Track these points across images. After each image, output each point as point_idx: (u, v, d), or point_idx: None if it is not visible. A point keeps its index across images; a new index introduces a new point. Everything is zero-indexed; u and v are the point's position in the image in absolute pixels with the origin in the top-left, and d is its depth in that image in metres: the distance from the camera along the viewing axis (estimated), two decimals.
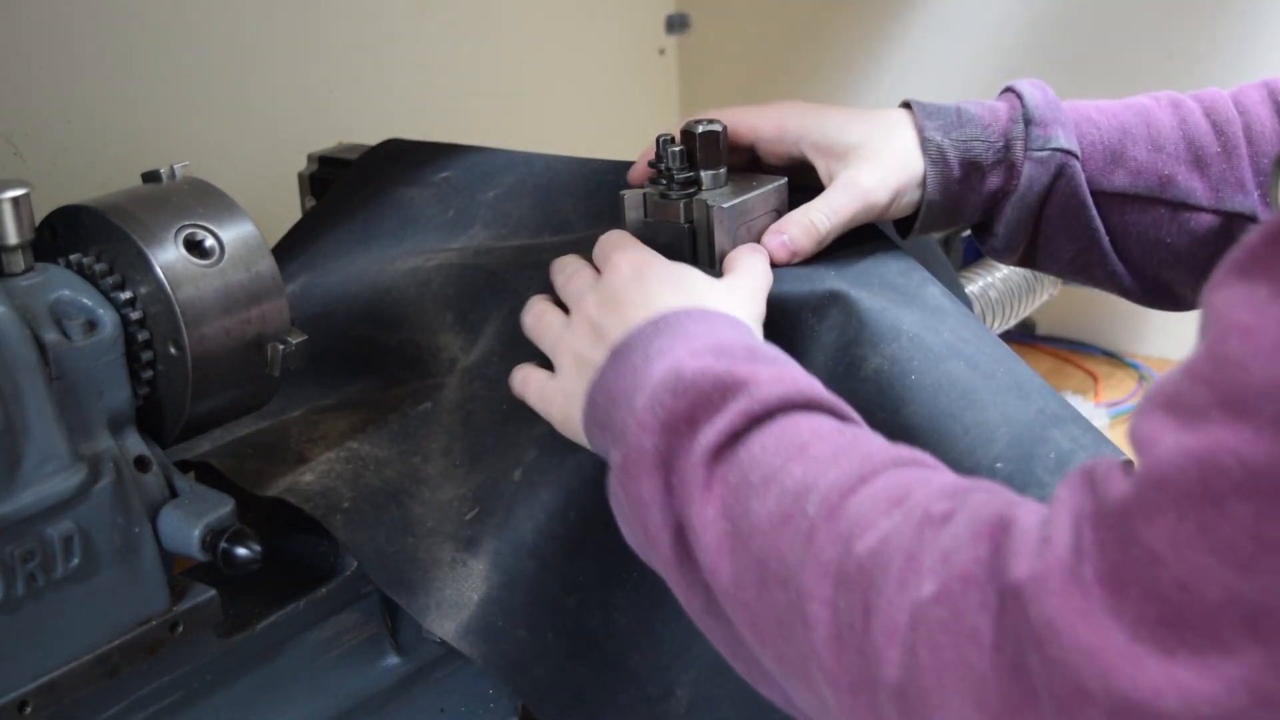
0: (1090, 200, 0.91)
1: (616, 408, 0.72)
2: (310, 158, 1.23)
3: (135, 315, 0.75)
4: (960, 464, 0.78)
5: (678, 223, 0.87)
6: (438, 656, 0.90)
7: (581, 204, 1.02)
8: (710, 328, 0.74)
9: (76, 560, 0.70)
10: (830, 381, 0.82)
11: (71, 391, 0.71)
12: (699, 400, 0.68)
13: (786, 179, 0.91)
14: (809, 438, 0.65)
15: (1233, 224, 0.92)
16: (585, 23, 1.68)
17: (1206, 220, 0.92)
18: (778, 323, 0.85)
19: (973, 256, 1.31)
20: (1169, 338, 1.56)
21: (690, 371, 0.69)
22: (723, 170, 0.89)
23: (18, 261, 0.73)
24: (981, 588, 0.54)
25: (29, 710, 0.69)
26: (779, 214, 0.90)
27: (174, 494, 0.76)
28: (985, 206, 0.92)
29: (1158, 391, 0.53)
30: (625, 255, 0.82)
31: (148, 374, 0.76)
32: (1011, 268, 1.29)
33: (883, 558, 0.58)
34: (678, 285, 0.79)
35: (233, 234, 0.78)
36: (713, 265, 0.87)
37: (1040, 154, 0.90)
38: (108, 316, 0.74)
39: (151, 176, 0.80)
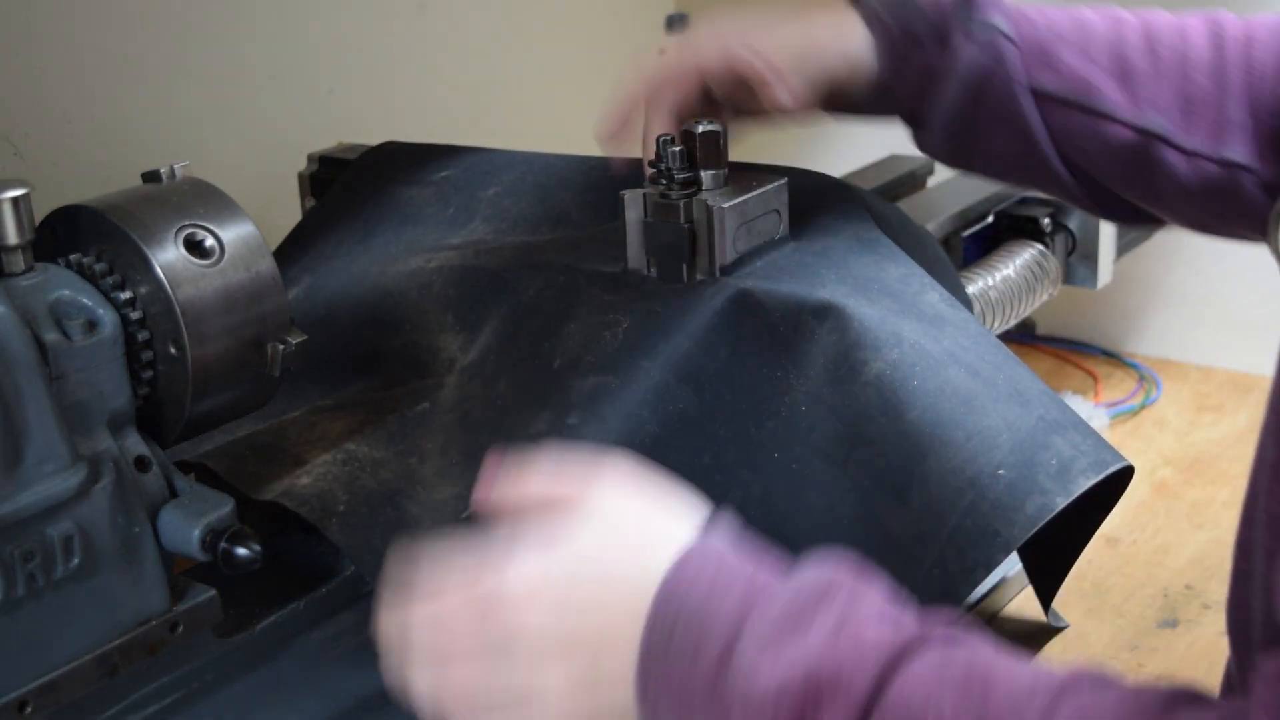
0: (1026, 92, 0.91)
1: None
2: (310, 158, 1.23)
3: (135, 315, 0.75)
4: (963, 470, 0.78)
5: (678, 222, 0.87)
6: None
7: (581, 198, 1.02)
8: (716, 586, 0.62)
9: (76, 560, 0.70)
10: (831, 384, 0.82)
11: (71, 391, 0.71)
12: (798, 713, 0.59)
13: (786, 179, 0.91)
14: (937, 709, 0.57)
15: (1149, 143, 0.90)
16: (585, 23, 1.67)
17: (1123, 133, 0.91)
18: (778, 324, 0.85)
19: (973, 256, 1.31)
20: (1169, 338, 1.56)
21: (765, 686, 0.59)
22: (723, 170, 0.89)
23: (18, 261, 0.72)
24: None
25: (29, 710, 0.69)
26: (779, 214, 0.91)
27: (174, 494, 0.76)
28: (922, 85, 0.92)
29: None
30: (522, 598, 0.63)
31: (148, 374, 0.76)
32: (1013, 268, 1.29)
33: None
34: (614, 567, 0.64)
35: (233, 234, 0.78)
36: (712, 265, 0.87)
37: (978, 34, 0.90)
38: (108, 316, 0.73)
39: (151, 176, 0.80)
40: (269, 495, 0.85)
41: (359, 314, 1.00)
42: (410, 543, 0.83)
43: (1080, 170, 0.93)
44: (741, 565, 0.63)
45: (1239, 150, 0.89)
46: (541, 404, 0.86)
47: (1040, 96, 0.91)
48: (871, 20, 0.90)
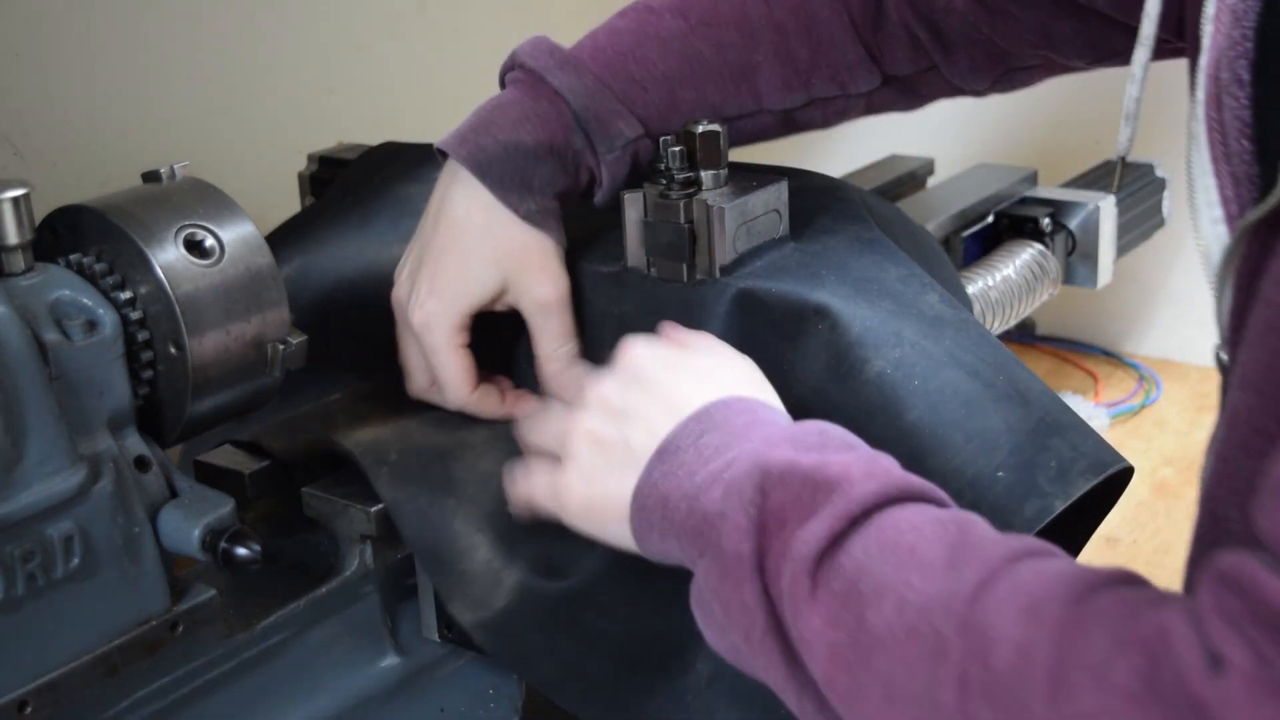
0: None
1: (678, 509, 0.70)
2: (310, 158, 1.23)
3: (135, 315, 0.75)
4: (963, 472, 0.78)
5: (678, 223, 0.87)
6: (438, 656, 0.90)
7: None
8: (761, 417, 0.73)
9: (76, 560, 0.70)
10: (832, 382, 0.83)
11: (71, 391, 0.71)
12: (791, 500, 0.65)
13: (786, 179, 0.91)
14: (915, 540, 0.63)
15: (790, 115, 0.97)
16: (585, 23, 1.67)
17: (765, 120, 0.97)
18: (779, 321, 0.85)
19: (973, 256, 1.31)
20: (1169, 338, 1.56)
21: (777, 467, 0.67)
22: (723, 170, 0.89)
23: (18, 261, 0.73)
24: (1145, 705, 0.53)
25: (29, 710, 0.69)
26: (779, 214, 0.90)
27: (174, 494, 0.76)
28: (581, 195, 0.94)
29: None
30: (642, 344, 0.79)
31: (148, 374, 0.76)
32: (1013, 268, 1.29)
33: (1025, 673, 0.56)
34: (711, 372, 0.77)
35: (233, 234, 0.78)
36: (712, 265, 0.87)
37: (612, 155, 0.91)
38: (108, 316, 0.73)
39: (151, 176, 0.80)
40: (321, 448, 0.87)
41: (360, 297, 1.01)
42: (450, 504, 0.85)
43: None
44: (782, 415, 0.74)
45: (864, 80, 0.97)
46: None
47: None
48: (530, 219, 0.89)
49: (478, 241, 0.90)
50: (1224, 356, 0.67)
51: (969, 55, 0.97)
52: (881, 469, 0.67)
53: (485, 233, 0.89)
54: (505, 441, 0.89)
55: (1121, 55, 0.91)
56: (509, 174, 0.89)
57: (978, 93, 1.01)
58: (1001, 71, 0.98)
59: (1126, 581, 0.59)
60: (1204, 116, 0.66)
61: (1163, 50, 0.85)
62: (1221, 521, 0.65)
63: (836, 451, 0.68)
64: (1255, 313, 0.61)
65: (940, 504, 0.67)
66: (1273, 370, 0.59)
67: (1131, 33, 0.86)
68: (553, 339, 0.90)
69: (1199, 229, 0.67)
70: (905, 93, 1.01)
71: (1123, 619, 0.56)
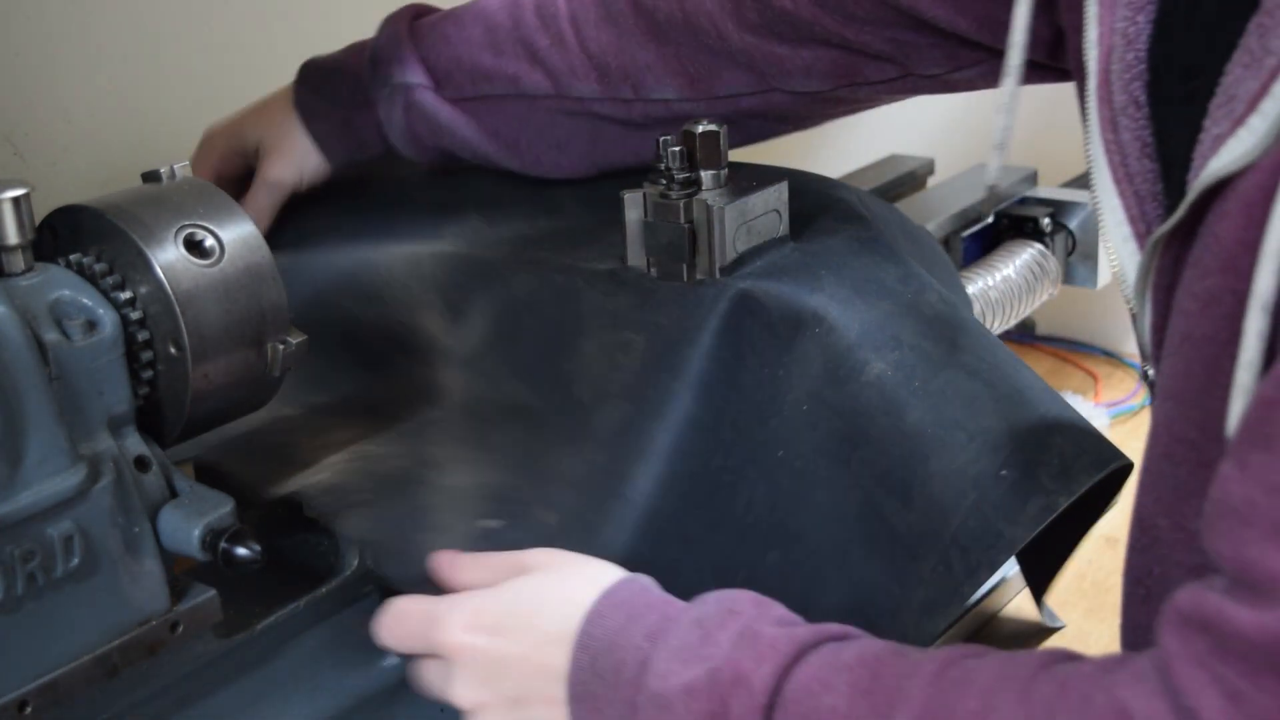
0: (452, 116, 1.00)
1: None
2: None
3: (135, 315, 0.75)
4: (966, 472, 0.78)
5: (678, 223, 0.87)
6: None
7: (577, 190, 1.03)
8: (618, 621, 0.70)
9: (76, 560, 0.70)
10: (832, 384, 0.83)
11: (71, 391, 0.71)
12: (709, 714, 0.65)
13: (786, 180, 0.91)
14: (835, 702, 0.62)
15: (583, 105, 0.99)
16: None
17: (558, 105, 0.99)
18: (778, 324, 0.85)
19: (973, 256, 1.31)
20: None
21: (682, 692, 0.66)
22: (723, 170, 0.89)
23: (18, 261, 0.72)
24: None
25: (29, 710, 0.69)
26: (779, 214, 0.90)
27: (174, 494, 0.76)
28: (379, 133, 1.04)
29: (1260, 517, 0.51)
30: (462, 632, 0.74)
31: (148, 374, 0.76)
32: (1013, 268, 1.29)
33: None
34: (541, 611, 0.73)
35: (233, 234, 0.78)
36: (712, 265, 0.87)
37: (384, 92, 1.00)
38: (108, 316, 0.73)
39: (151, 176, 0.80)
40: (283, 492, 0.86)
41: (341, 284, 1.01)
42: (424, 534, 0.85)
43: (532, 146, 1.02)
44: (658, 597, 0.71)
45: (668, 87, 0.97)
46: (571, 441, 0.88)
47: (475, 101, 1.00)
48: (306, 118, 1.04)
49: (261, 106, 1.08)
50: (1150, 374, 0.68)
51: (814, 54, 0.93)
52: (766, 641, 0.66)
53: (270, 103, 1.07)
54: (470, 449, 0.89)
55: (980, 65, 0.91)
56: (317, 70, 1.06)
57: (810, 106, 0.98)
58: (846, 83, 0.95)
59: (1057, 661, 0.59)
60: (1101, 140, 0.66)
61: (1043, 74, 0.85)
62: (1150, 530, 0.65)
63: (725, 632, 0.67)
64: (1172, 323, 0.61)
65: (838, 638, 0.67)
66: (1190, 379, 0.59)
67: (989, 49, 0.86)
68: (254, 204, 1.04)
69: (1111, 248, 0.67)
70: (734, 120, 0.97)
71: (1079, 708, 0.55)
